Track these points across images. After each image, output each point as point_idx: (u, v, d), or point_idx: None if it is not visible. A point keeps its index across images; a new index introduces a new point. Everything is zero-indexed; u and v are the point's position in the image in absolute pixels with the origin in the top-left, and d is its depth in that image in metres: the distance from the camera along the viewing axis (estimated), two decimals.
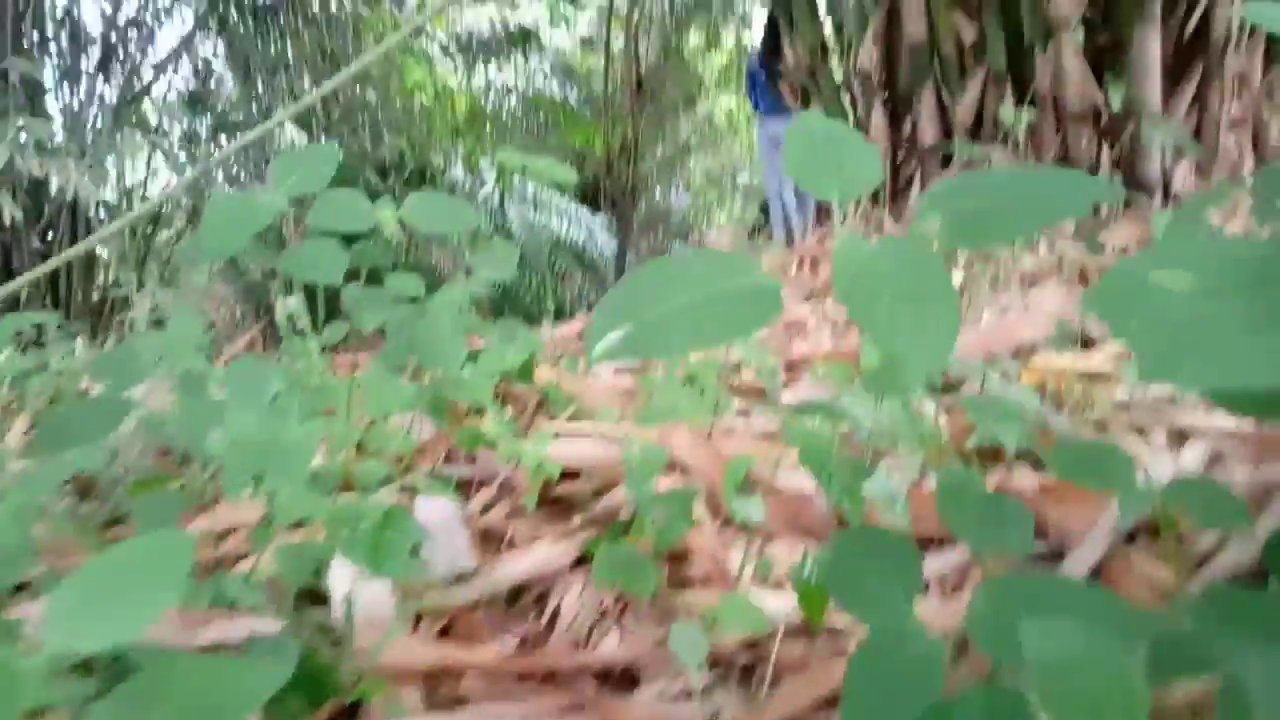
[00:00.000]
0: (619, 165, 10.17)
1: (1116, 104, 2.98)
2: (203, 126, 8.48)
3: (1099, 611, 0.40)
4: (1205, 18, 3.11)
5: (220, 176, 8.75)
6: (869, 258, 0.42)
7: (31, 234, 6.78)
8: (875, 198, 3.97)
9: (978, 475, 0.52)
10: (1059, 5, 3.06)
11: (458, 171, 9.46)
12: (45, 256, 6.59)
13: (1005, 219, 0.44)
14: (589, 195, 11.57)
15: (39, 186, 6.53)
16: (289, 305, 0.98)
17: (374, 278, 1.24)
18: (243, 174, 8.79)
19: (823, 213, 4.71)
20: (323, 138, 8.92)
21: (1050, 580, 0.43)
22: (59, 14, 7.15)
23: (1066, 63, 3.09)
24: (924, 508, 1.03)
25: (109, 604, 0.38)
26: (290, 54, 8.46)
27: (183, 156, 8.15)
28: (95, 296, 7.28)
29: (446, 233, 0.92)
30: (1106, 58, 3.13)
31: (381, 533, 0.70)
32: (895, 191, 3.87)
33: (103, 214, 7.09)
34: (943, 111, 3.67)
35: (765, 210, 5.89)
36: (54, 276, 6.67)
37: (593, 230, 10.45)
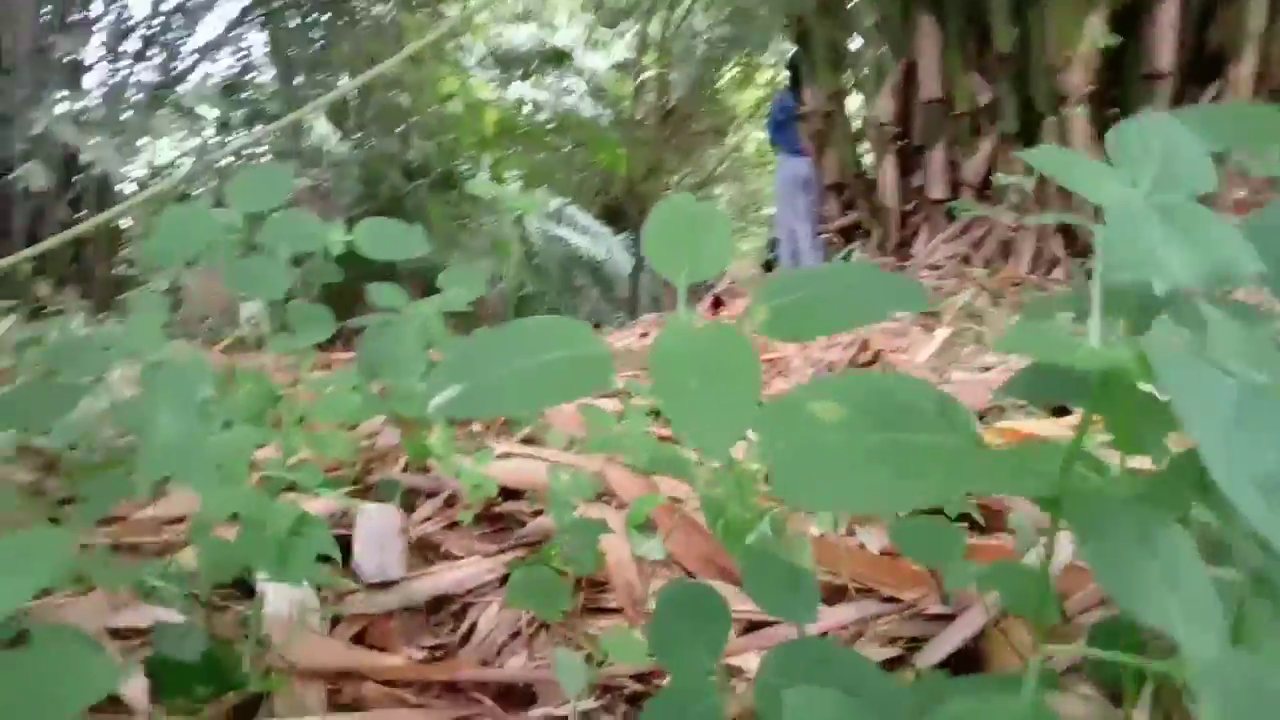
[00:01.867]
0: (642, 187, 10.27)
1: None
2: (238, 114, 8.64)
3: (865, 686, 0.44)
4: (1217, 100, 3.15)
5: (252, 164, 8.90)
6: (688, 341, 0.47)
7: (59, 205, 6.92)
8: (882, 246, 4.02)
9: (781, 550, 0.56)
10: (1070, 77, 3.10)
11: (484, 179, 9.58)
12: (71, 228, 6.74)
13: (821, 315, 0.48)
14: (612, 214, 11.67)
15: (71, 160, 6.67)
16: (250, 309, 1.03)
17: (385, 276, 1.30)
18: (274, 165, 8.93)
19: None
20: (355, 136, 9.08)
21: (834, 650, 0.47)
22: None
23: (1074, 131, 3.13)
24: (832, 558, 1.07)
25: None
26: (331, 53, 8.62)
27: (215, 141, 8.32)
28: (117, 270, 7.41)
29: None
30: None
31: (289, 539, 0.75)
32: (901, 241, 3.91)
33: (132, 190, 7.23)
34: (953, 167, 3.72)
35: (773, 245, 5.94)
36: (78, 249, 6.80)
37: (611, 248, 10.55)
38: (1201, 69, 3.23)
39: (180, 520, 1.17)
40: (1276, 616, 0.32)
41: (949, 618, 0.96)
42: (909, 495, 0.32)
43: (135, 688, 0.73)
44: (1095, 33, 3.07)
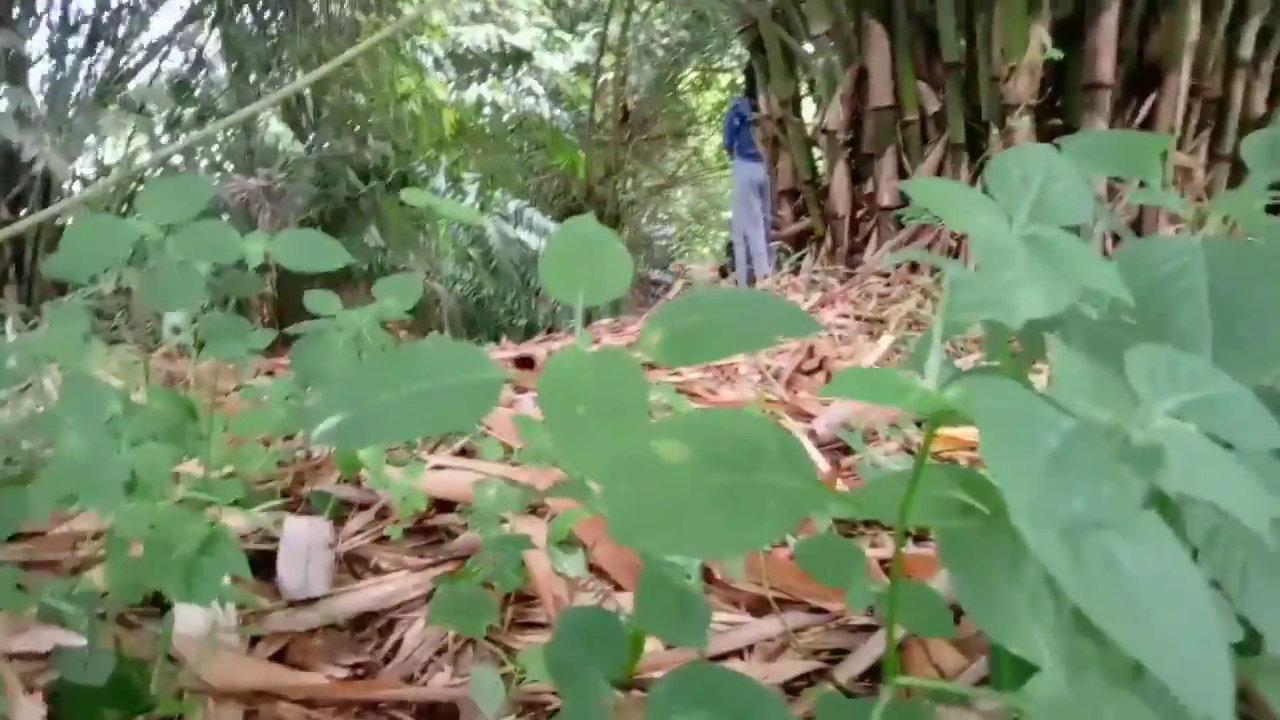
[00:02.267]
0: (601, 190, 10.25)
1: None
2: (188, 112, 8.48)
3: (757, 713, 0.44)
4: (1154, 110, 3.23)
5: (204, 164, 8.75)
6: (578, 367, 0.46)
7: (1, 204, 6.73)
8: (832, 252, 4.06)
9: (679, 572, 0.56)
10: (1015, 88, 3.16)
11: (440, 181, 9.51)
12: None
13: (713, 341, 0.48)
14: (571, 216, 11.63)
15: (12, 157, 6.49)
16: (171, 318, 1.01)
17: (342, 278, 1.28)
18: (227, 163, 8.80)
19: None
20: (310, 136, 8.95)
21: (728, 675, 0.47)
22: None
23: (1018, 140, 3.19)
24: (762, 569, 1.07)
25: None
26: (284, 51, 8.49)
27: (165, 140, 8.14)
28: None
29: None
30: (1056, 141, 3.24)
31: (196, 558, 0.73)
32: (852, 248, 3.95)
33: (78, 190, 7.06)
34: (903, 175, 3.76)
35: (730, 249, 5.96)
36: (18, 250, 6.62)
37: None
38: (1141, 79, 3.31)
39: (98, 536, 1.14)
40: (1102, 651, 0.33)
41: (873, 629, 0.97)
42: (747, 538, 0.32)
43: (31, 714, 0.71)
44: (1040, 41, 3.13)
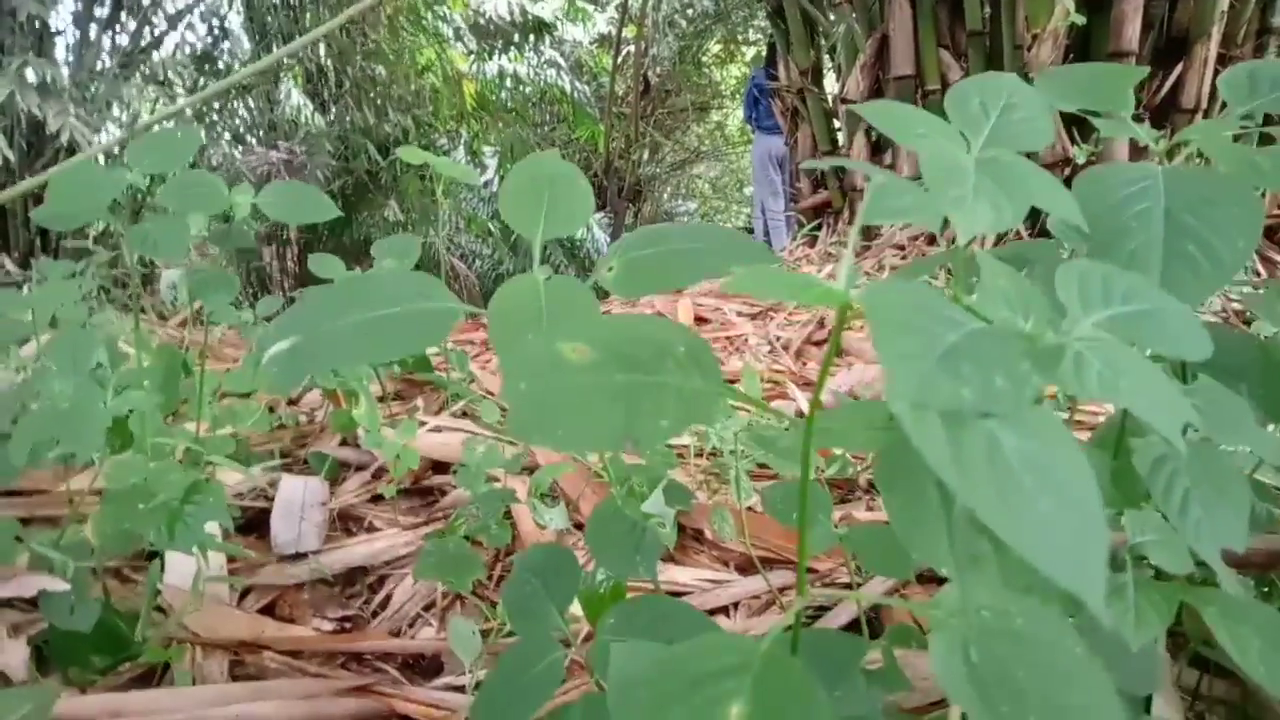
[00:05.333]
0: (622, 164, 10.20)
1: (1082, 157, 3.01)
2: (211, 84, 8.50)
3: (691, 635, 0.44)
4: (1178, 85, 3.15)
5: (227, 135, 8.79)
6: (528, 294, 0.46)
7: (27, 175, 6.79)
8: (850, 224, 4.02)
9: (633, 508, 0.55)
10: (1037, 56, 3.10)
11: (460, 155, 9.49)
12: (40, 199, 6.63)
13: (667, 270, 0.48)
14: (593, 190, 11.57)
15: (39, 129, 6.55)
16: (169, 276, 1.01)
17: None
18: (249, 136, 8.84)
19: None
20: (330, 107, 8.96)
21: (675, 606, 0.46)
22: None
23: None
24: (760, 528, 1.07)
25: None
26: (307, 21, 8.48)
27: (188, 111, 8.17)
28: (81, 242, 7.28)
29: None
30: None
31: (180, 507, 0.73)
32: None
33: (103, 160, 7.12)
34: None
35: (749, 230, 5.92)
36: None
37: (589, 225, 10.47)
38: (1168, 48, 3.22)
39: (98, 493, 1.15)
40: (1000, 552, 0.32)
41: (856, 587, 0.97)
42: (643, 434, 0.31)
43: (14, 657, 0.72)
44: (1064, 9, 3.05)
